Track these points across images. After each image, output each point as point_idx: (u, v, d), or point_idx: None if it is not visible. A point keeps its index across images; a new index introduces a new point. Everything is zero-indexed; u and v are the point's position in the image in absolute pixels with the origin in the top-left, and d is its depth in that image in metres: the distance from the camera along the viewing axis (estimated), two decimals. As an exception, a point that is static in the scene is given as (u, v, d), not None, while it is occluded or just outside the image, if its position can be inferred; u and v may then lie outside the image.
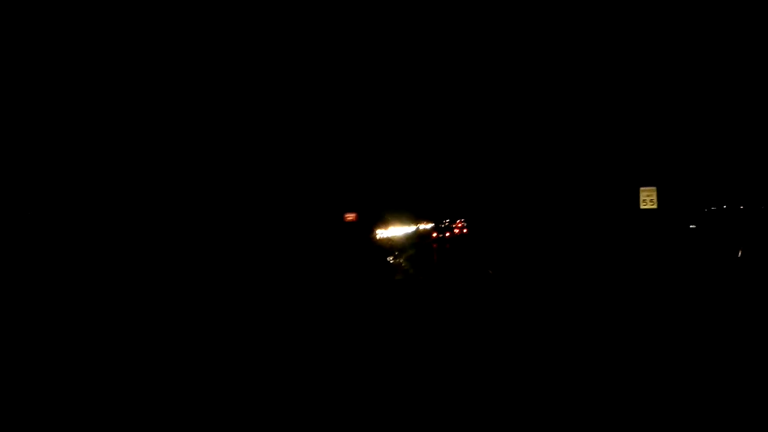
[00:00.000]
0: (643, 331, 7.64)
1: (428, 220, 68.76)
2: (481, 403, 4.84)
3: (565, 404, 4.77)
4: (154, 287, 14.18)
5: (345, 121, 38.73)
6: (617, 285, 12.64)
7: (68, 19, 22.45)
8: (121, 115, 24.32)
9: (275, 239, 26.20)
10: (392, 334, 8.08)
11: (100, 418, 4.23)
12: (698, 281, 12.70)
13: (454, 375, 5.67)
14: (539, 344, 7.10)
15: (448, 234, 58.56)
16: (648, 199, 20.07)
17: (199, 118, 27.25)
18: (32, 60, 21.60)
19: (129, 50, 24.41)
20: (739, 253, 16.70)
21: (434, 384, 5.30)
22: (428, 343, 7.23)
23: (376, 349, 6.95)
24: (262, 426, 4.35)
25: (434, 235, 57.50)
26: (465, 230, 62.85)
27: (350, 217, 31.53)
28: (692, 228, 23.86)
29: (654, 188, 20.06)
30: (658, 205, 20.03)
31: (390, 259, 24.91)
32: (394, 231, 46.13)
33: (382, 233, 42.04)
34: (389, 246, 34.55)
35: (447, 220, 74.20)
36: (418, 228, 59.25)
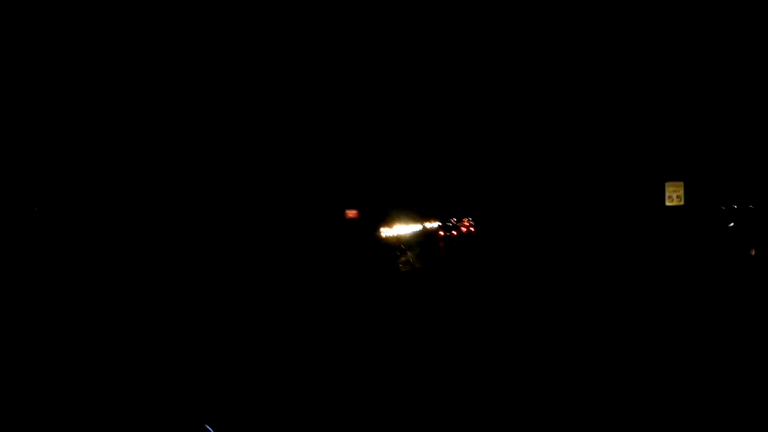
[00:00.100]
0: (640, 328, 7.42)
1: (435, 219, 68.05)
2: (480, 392, 4.91)
3: (564, 396, 4.80)
4: (153, 276, 14.49)
5: (352, 120, 38.02)
6: (626, 285, 12.19)
7: (68, 19, 22.69)
8: (121, 114, 24.44)
9: (276, 235, 25.92)
10: (396, 322, 8.16)
11: (99, 418, 4.20)
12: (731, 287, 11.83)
13: (453, 370, 5.63)
14: (544, 341, 6.96)
15: (455, 233, 58.10)
16: (675, 195, 18.68)
17: (198, 113, 27.14)
18: (32, 60, 21.87)
19: (128, 50, 24.56)
20: (752, 252, 15.89)
21: (432, 378, 5.32)
22: (430, 333, 7.35)
23: (378, 339, 7.09)
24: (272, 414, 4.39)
25: (441, 233, 56.96)
26: (472, 229, 62.31)
27: (351, 213, 30.42)
28: (731, 227, 22.35)
29: (681, 183, 18.66)
30: (686, 201, 18.64)
31: (397, 255, 24.97)
32: (401, 229, 45.96)
33: (388, 231, 41.88)
34: (395, 244, 34.30)
35: (454, 219, 73.34)
36: (424, 226, 59.13)
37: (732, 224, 23.51)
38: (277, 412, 4.54)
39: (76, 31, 22.77)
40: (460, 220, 71.42)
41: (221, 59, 27.99)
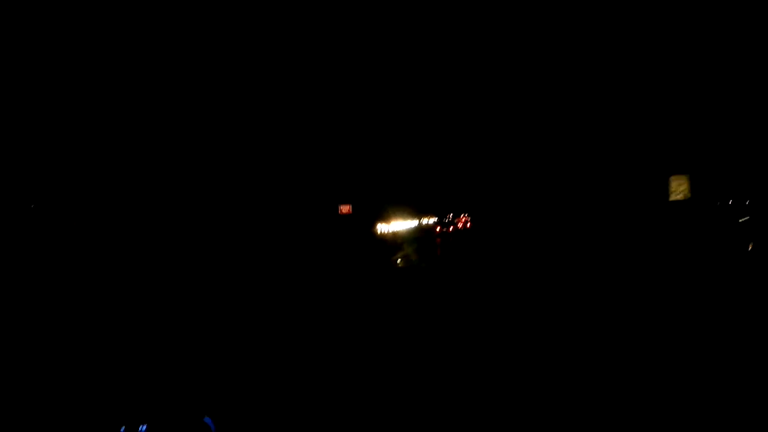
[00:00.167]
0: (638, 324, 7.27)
1: (432, 215, 67.80)
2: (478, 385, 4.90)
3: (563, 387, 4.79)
4: (149, 266, 14.70)
5: (349, 115, 37.68)
6: (624, 282, 11.97)
7: (69, 19, 22.91)
8: (115, 108, 24.69)
9: (270, 229, 26.04)
10: (393, 317, 8.13)
11: (99, 417, 4.13)
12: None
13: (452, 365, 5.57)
14: (543, 336, 6.83)
15: (452, 228, 57.90)
16: (679, 189, 18.21)
17: (190, 106, 27.38)
18: (33, 60, 22.14)
19: (128, 50, 24.81)
20: (750, 247, 15.68)
21: (432, 374, 5.27)
22: (428, 328, 7.29)
23: (374, 332, 7.08)
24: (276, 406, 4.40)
25: (438, 229, 56.79)
26: (468, 225, 62.19)
27: (345, 209, 30.07)
28: (742, 222, 21.89)
29: (686, 177, 18.17)
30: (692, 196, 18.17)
31: (394, 250, 24.90)
32: (397, 225, 45.77)
33: (384, 227, 41.56)
34: (392, 240, 34.01)
35: (451, 215, 73.10)
36: (421, 222, 58.99)
37: (745, 218, 23.09)
38: (276, 405, 4.52)
39: (69, 27, 22.95)
40: (457, 216, 71.23)
41: (212, 51, 28.14)
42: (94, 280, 14.10)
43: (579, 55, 36.44)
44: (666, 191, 18.37)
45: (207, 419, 3.24)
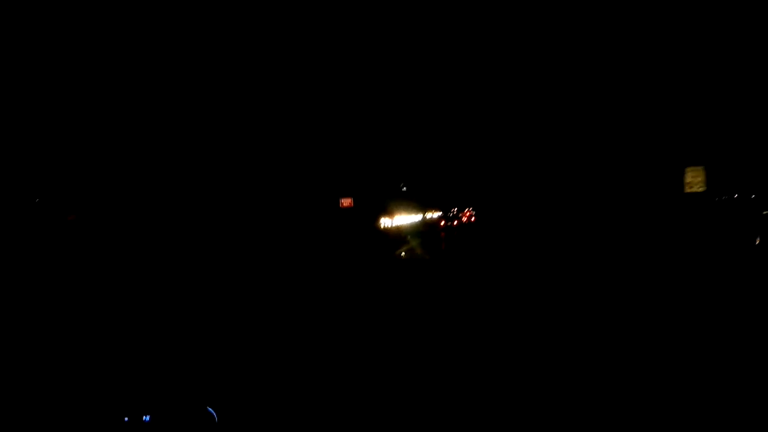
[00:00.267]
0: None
1: (436, 209, 67.61)
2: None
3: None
4: (142, 259, 14.64)
5: (353, 111, 37.33)
6: (632, 278, 11.29)
7: (69, 19, 23.13)
8: (106, 97, 24.72)
9: (270, 223, 25.91)
10: (397, 309, 8.18)
11: (101, 407, 3.97)
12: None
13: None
14: (551, 329, 6.69)
15: (456, 222, 57.93)
16: (695, 181, 17.54)
17: (184, 97, 27.23)
18: (33, 60, 22.29)
19: (127, 49, 24.95)
20: (757, 241, 15.30)
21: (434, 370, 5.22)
22: (432, 321, 7.32)
23: (376, 324, 7.10)
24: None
25: (442, 223, 56.71)
26: (473, 219, 62.33)
27: (346, 202, 29.74)
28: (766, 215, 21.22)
29: (701, 168, 17.50)
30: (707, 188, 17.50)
31: (398, 244, 24.93)
32: (402, 219, 45.79)
33: (387, 221, 41.23)
34: (395, 234, 33.84)
35: (455, 209, 72.92)
36: (425, 216, 59.00)
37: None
38: (277, 395, 4.54)
39: (69, 27, 23.17)
40: (461, 210, 71.14)
41: (205, 41, 28.01)
42: (92, 269, 14.19)
43: (591, 42, 35.66)
44: (681, 183, 17.75)
45: (209, 409, 3.28)
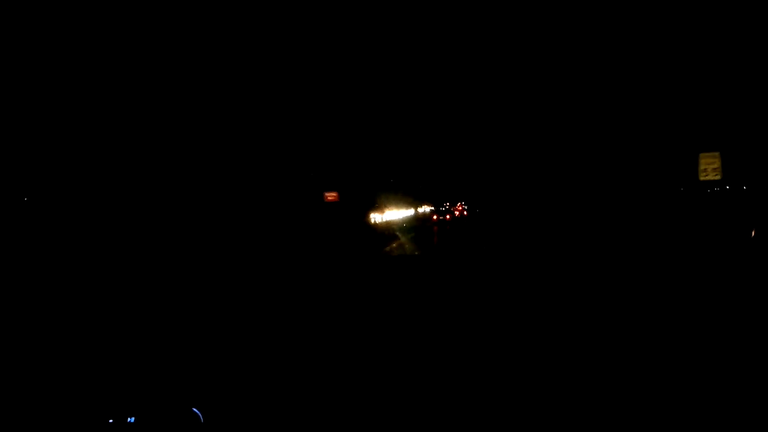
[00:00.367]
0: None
1: (428, 203, 66.86)
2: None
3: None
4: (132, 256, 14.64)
5: (341, 102, 36.44)
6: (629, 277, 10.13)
7: (69, 19, 23.10)
8: (100, 92, 24.68)
9: (257, 219, 25.34)
10: (388, 307, 7.86)
11: (86, 409, 3.86)
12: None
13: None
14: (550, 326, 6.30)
15: (448, 217, 57.48)
16: (710, 168, 16.20)
17: (174, 96, 27.05)
18: (33, 60, 22.27)
19: (126, 49, 24.92)
20: (753, 233, 14.49)
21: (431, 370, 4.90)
22: (424, 318, 7.05)
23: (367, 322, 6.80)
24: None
25: (434, 218, 56.09)
26: (465, 213, 62.07)
27: (331, 196, 28.55)
28: None
29: (717, 154, 16.15)
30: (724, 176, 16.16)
31: (389, 240, 24.66)
32: (392, 214, 45.09)
33: (377, 216, 40.48)
34: (386, 229, 33.21)
35: (447, 203, 72.35)
36: (417, 211, 58.38)
37: None
38: (264, 395, 4.43)
39: (69, 27, 23.13)
40: (453, 205, 70.68)
41: (204, 47, 27.73)
42: (78, 271, 13.96)
43: (598, 30, 34.43)
44: (695, 170, 16.45)
45: (195, 410, 3.27)
